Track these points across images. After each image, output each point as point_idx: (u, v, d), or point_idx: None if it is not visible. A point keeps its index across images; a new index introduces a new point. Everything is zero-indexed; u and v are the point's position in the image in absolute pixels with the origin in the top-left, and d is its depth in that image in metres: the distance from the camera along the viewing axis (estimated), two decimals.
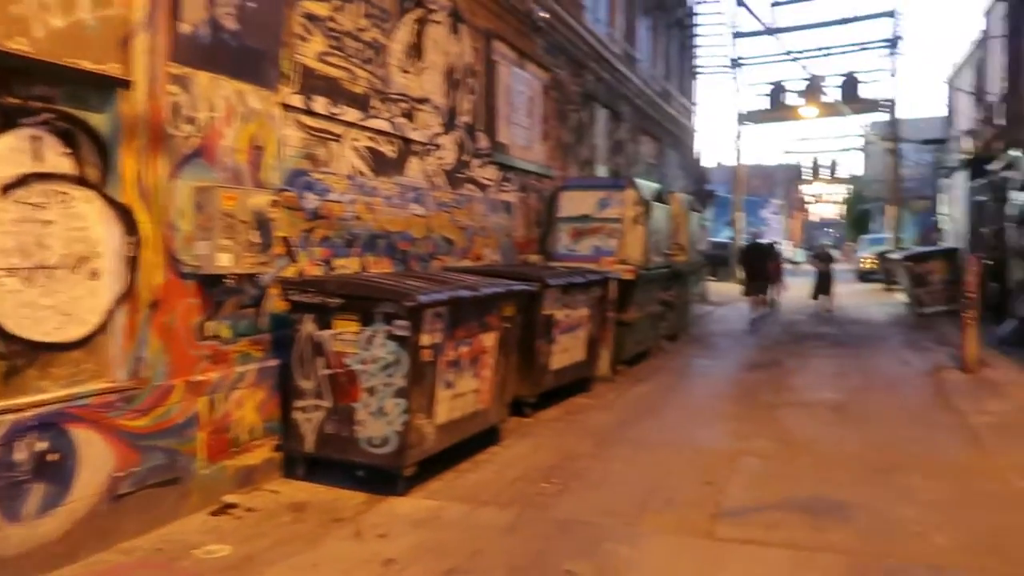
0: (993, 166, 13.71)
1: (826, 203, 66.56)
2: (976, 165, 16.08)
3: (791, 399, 8.20)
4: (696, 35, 21.32)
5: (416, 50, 7.33)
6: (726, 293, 24.06)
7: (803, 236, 69.54)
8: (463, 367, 5.67)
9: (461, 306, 5.49)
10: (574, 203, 9.89)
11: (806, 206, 68.01)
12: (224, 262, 4.88)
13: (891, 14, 26.35)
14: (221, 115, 4.97)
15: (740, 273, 19.03)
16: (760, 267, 16.56)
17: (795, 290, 20.74)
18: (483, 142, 8.73)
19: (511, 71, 9.62)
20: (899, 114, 27.52)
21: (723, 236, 33.19)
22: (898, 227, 27.57)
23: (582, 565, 4.04)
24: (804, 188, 60.89)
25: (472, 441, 6.06)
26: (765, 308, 16.78)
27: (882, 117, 30.03)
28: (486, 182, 8.83)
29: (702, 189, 23.17)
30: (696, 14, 20.83)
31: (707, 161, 50.56)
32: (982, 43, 23.73)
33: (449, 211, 7.99)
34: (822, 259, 18.63)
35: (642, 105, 15.96)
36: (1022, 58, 11.54)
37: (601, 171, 13.21)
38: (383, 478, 5.23)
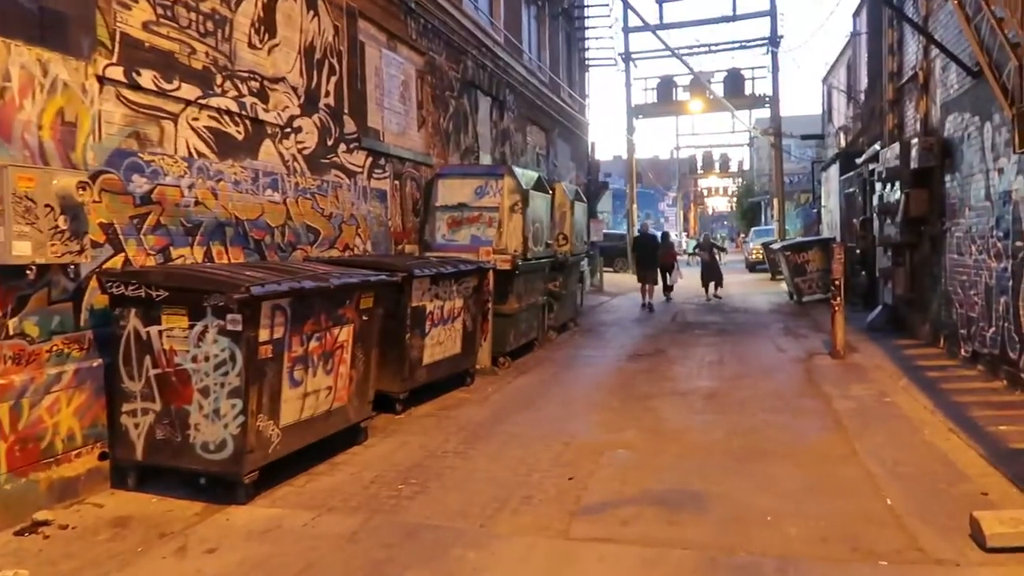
0: (859, 160, 14.27)
1: (720, 197, 69.05)
2: (846, 159, 16.75)
3: (668, 388, 8.16)
4: (585, 27, 21.36)
5: (266, 25, 6.80)
6: (622, 283, 24.38)
7: (699, 228, 71.91)
8: (314, 363, 5.25)
9: (307, 298, 5.06)
10: (451, 191, 9.56)
11: (703, 199, 70.22)
12: (22, 251, 4.29)
13: (770, 13, 27.27)
14: (16, 86, 4.36)
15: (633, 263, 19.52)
16: (651, 256, 17.23)
17: (689, 279, 21.29)
18: (350, 126, 8.27)
19: (381, 53, 9.19)
20: (783, 111, 28.53)
21: (622, 228, 33.64)
22: (782, 219, 28.65)
23: (423, 574, 3.73)
24: (700, 182, 62.73)
25: (331, 441, 5.66)
26: (659, 295, 17.46)
27: (767, 113, 31.16)
28: (355, 168, 8.38)
29: (595, 180, 23.33)
30: (584, 6, 20.86)
31: (604, 154, 51.46)
32: (851, 43, 24.94)
33: (312, 198, 7.51)
34: (706, 249, 19.63)
35: (529, 95, 15.80)
36: (883, 56, 11.99)
37: (486, 160, 12.93)
38: (224, 486, 4.77)
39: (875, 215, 12.01)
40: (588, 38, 21.73)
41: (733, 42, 28.90)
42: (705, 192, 69.04)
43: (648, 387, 8.25)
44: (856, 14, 23.82)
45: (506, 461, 5.57)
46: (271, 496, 4.85)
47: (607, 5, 20.68)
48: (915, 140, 9.81)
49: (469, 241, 9.48)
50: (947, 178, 9.21)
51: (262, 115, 6.67)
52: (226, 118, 6.23)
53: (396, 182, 9.44)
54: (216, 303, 4.50)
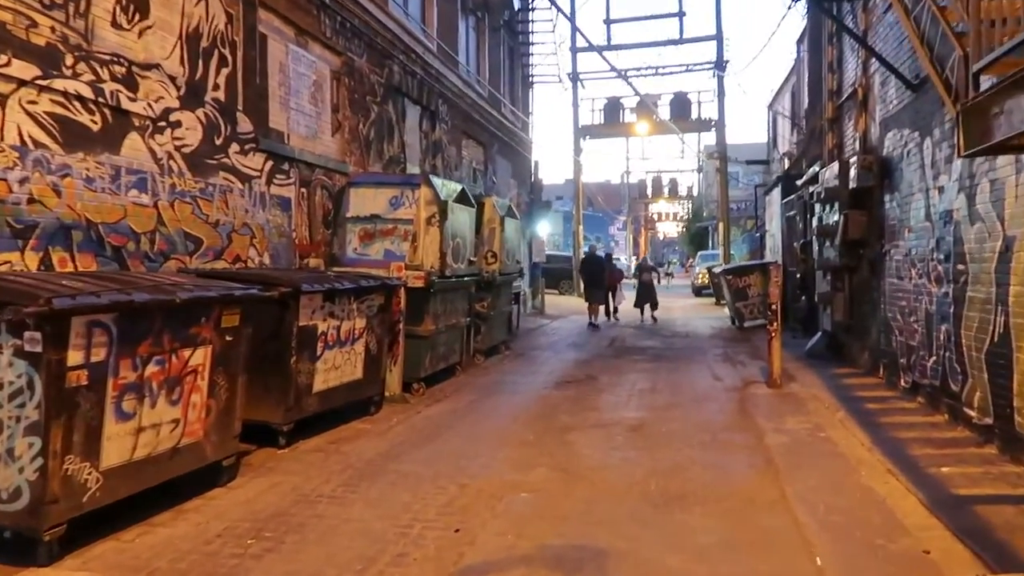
0: (800, 182, 13.95)
1: (671, 222, 69.43)
2: (787, 182, 16.49)
3: (591, 420, 7.47)
4: (530, 43, 20.89)
5: (137, 4, 5.98)
6: (566, 306, 23.80)
7: (650, 252, 72.13)
8: (153, 392, 4.40)
9: (141, 314, 4.23)
10: (364, 201, 8.79)
11: (653, 223, 70.56)
12: None
13: (716, 38, 27.28)
14: None
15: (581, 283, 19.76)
16: (598, 277, 17.85)
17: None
18: (246, 125, 7.47)
19: (288, 49, 8.42)
20: (730, 137, 28.52)
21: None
22: (727, 243, 28.50)
23: None
24: (651, 206, 62.98)
25: (182, 483, 4.80)
26: (603, 316, 18.02)
27: (714, 137, 31.16)
28: (251, 172, 7.56)
29: (538, 200, 22.79)
30: (529, 21, 20.40)
31: (555, 177, 51.29)
32: (795, 69, 25.05)
33: (193, 202, 6.67)
34: (645, 271, 19.75)
35: (465, 107, 15.16)
36: (822, 74, 11.68)
37: (414, 172, 12.20)
38: (21, 544, 3.88)
39: (814, 238, 11.61)
40: (532, 54, 21.25)
41: (680, 65, 28.94)
42: (656, 217, 69.42)
43: (570, 418, 7.55)
44: (800, 41, 23.92)
45: (388, 507, 4.78)
46: (85, 555, 3.97)
47: (551, 21, 20.25)
48: (854, 159, 9.41)
49: (383, 256, 8.71)
50: (886, 198, 8.79)
51: (127, 104, 5.83)
52: (77, 104, 5.38)
53: (303, 190, 8.63)
54: (9, 318, 3.64)
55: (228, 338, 4.99)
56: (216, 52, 7.00)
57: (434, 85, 13.22)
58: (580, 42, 28.24)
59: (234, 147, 7.27)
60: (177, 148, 6.44)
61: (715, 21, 27.38)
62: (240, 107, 7.38)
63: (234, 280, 5.83)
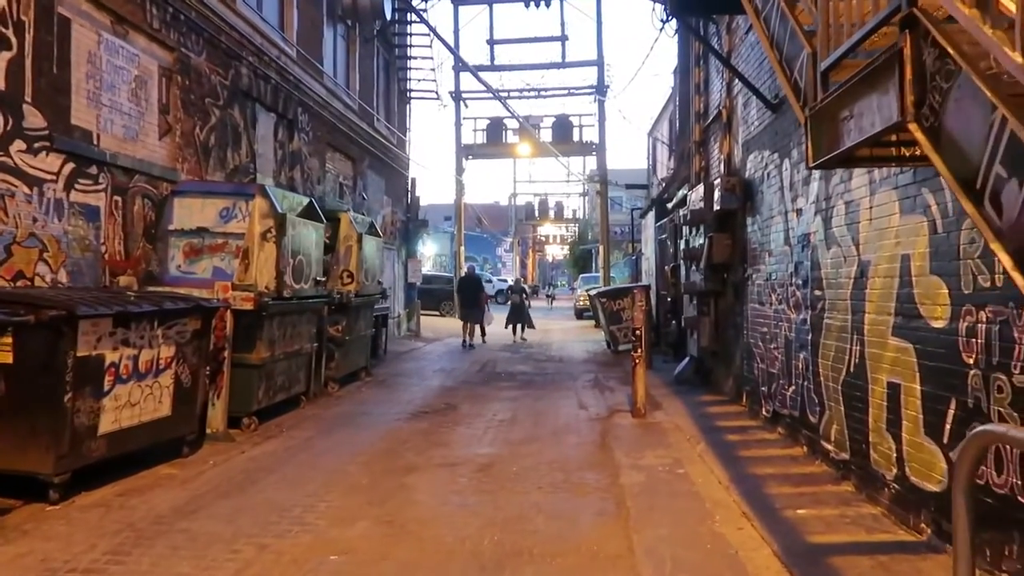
0: (670, 204, 13.90)
1: (558, 245, 70.15)
2: (660, 206, 16.53)
3: (439, 457, 6.77)
4: (407, 56, 20.22)
5: None
6: (444, 328, 23.08)
7: (539, 274, 72.53)
8: None
9: None
10: (190, 213, 7.79)
11: (541, 245, 71.07)
12: None
13: (598, 63, 27.55)
14: None
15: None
16: (473, 297, 18.39)
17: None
18: (35, 120, 6.37)
19: (101, 37, 7.36)
20: (613, 163, 28.96)
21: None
22: (607, 266, 28.66)
23: None
24: (539, 228, 63.39)
25: None
26: (479, 337, 18.36)
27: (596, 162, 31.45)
28: (42, 175, 6.46)
29: (415, 218, 22.03)
30: (405, 34, 19.74)
31: (444, 198, 50.59)
32: (673, 98, 25.63)
33: None
34: (516, 292, 20.29)
35: (330, 119, 14.26)
36: (690, 99, 11.62)
37: (268, 184, 11.20)
38: None
39: (682, 261, 11.45)
40: (410, 68, 20.58)
41: (562, 88, 29.00)
42: (544, 239, 69.99)
43: (416, 456, 6.82)
44: (676, 71, 24.50)
45: None
46: None
47: (427, 35, 19.66)
48: (718, 181, 9.24)
49: (211, 274, 7.72)
50: (749, 221, 8.63)
51: None
52: None
53: (117, 198, 7.55)
54: None
55: None
56: None
57: (293, 93, 12.29)
58: (470, 58, 27.88)
59: (18, 144, 6.16)
60: None
61: (596, 46, 27.73)
62: (28, 99, 6.29)
63: None
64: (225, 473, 6.08)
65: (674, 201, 13.33)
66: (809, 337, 6.45)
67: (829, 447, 5.90)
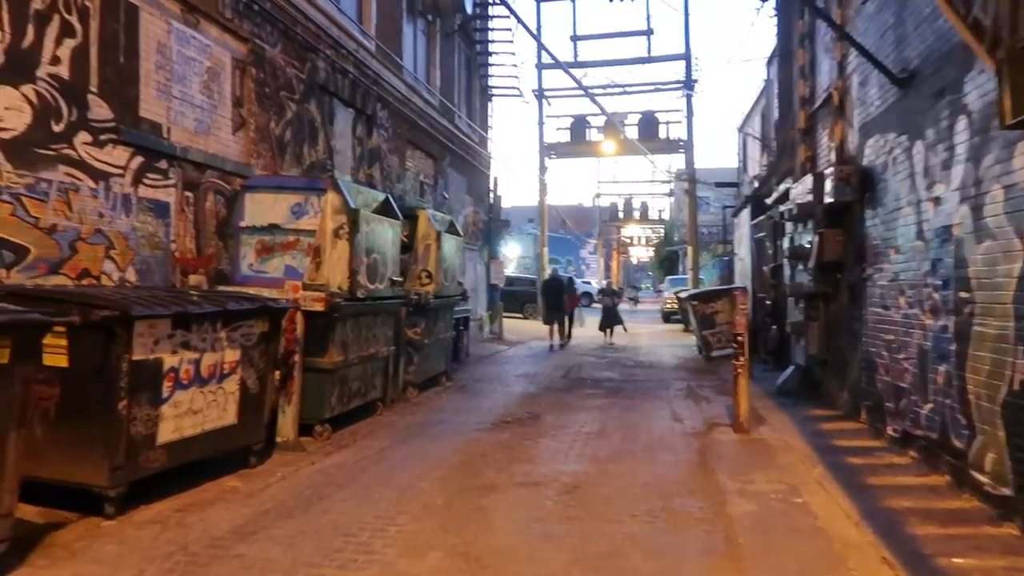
0: (769, 200, 12.88)
1: (642, 247, 68.59)
2: (756, 203, 15.47)
3: (521, 475, 6.15)
4: (488, 53, 19.77)
5: None
6: (527, 331, 22.51)
7: (622, 277, 71.13)
8: None
9: None
10: (262, 209, 7.45)
11: (625, 247, 69.77)
12: None
13: (685, 57, 26.46)
14: None
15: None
16: (557, 300, 18.06)
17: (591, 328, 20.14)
18: (102, 111, 6.11)
19: (172, 27, 7.09)
20: (701, 161, 27.80)
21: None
22: (696, 267, 27.46)
23: None
24: (623, 230, 62.11)
25: None
26: (562, 339, 18.08)
27: (683, 160, 30.32)
28: (108, 169, 6.19)
29: (497, 218, 21.56)
30: (486, 29, 19.28)
31: (528, 199, 50.17)
32: (766, 91, 24.28)
33: (15, 202, 5.28)
34: (607, 295, 19.95)
35: (410, 115, 13.90)
36: (793, 83, 10.63)
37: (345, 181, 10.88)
38: None
39: (786, 261, 10.48)
40: (491, 64, 20.12)
41: (648, 84, 27.99)
42: (628, 240, 68.59)
43: (496, 472, 6.22)
44: (770, 61, 23.18)
45: None
46: None
47: (509, 30, 19.14)
48: (829, 171, 8.29)
49: (283, 273, 7.37)
50: (868, 214, 7.65)
51: None
52: None
53: (189, 194, 7.27)
54: None
55: None
56: (56, 18, 5.65)
57: (371, 87, 11.95)
58: (546, 58, 27.32)
59: (83, 136, 5.90)
60: None
61: (683, 40, 26.66)
62: (94, 89, 6.03)
63: (36, 299, 4.48)
64: (291, 487, 5.63)
65: (774, 196, 12.32)
66: (952, 347, 5.50)
67: (983, 479, 4.96)
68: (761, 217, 13.95)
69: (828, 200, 8.21)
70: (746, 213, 16.69)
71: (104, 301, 4.67)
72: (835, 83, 8.66)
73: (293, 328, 6.65)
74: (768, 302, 12.90)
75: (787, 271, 10.54)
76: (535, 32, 25.27)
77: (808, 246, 8.99)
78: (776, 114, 18.43)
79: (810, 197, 8.63)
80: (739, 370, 7.72)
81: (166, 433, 5.11)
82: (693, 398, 10.39)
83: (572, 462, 6.62)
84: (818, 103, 9.64)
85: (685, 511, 5.16)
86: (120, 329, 4.62)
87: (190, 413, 5.31)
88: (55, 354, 4.68)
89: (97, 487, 4.70)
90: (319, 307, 6.72)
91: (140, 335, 4.79)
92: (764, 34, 34.53)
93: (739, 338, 7.74)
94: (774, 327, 12.57)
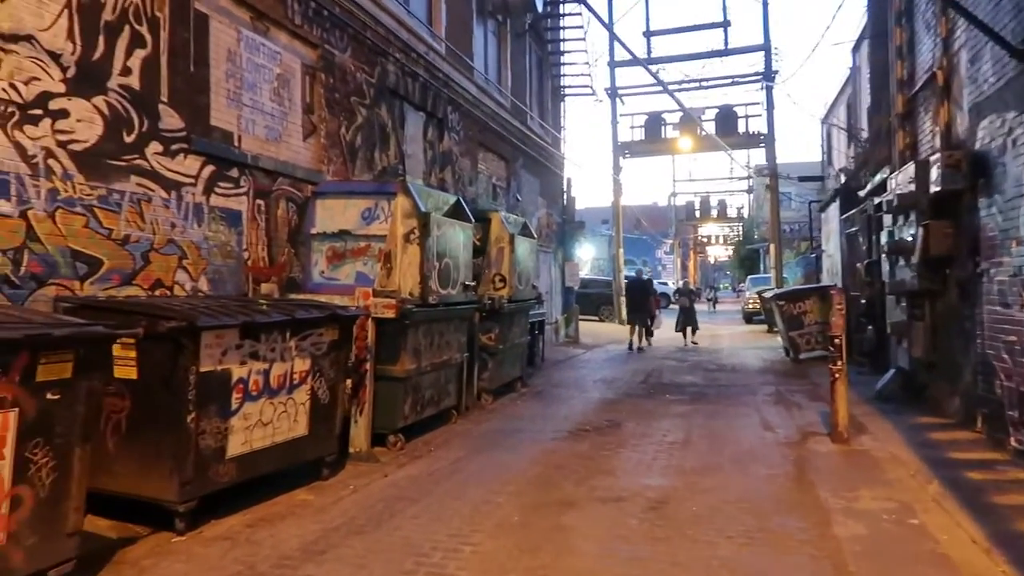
0: (863, 192, 12.09)
1: (720, 246, 66.86)
2: (847, 196, 14.62)
3: (602, 488, 5.79)
4: (561, 52, 19.44)
5: None
6: (603, 334, 22.06)
7: (700, 277, 69.50)
8: None
9: None
10: (332, 215, 7.35)
11: (702, 246, 68.18)
12: None
13: (765, 48, 25.49)
14: None
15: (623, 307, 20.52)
16: (640, 301, 17.88)
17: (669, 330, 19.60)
18: (173, 121, 6.09)
19: (241, 34, 7.06)
20: (781, 155, 26.70)
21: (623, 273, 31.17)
22: (779, 266, 26.38)
23: None
24: (700, 229, 60.65)
25: None
26: (643, 340, 17.79)
27: (763, 155, 29.25)
28: (180, 178, 6.17)
29: (571, 220, 21.20)
30: (558, 28, 18.96)
31: (601, 200, 49.63)
32: (851, 79, 23.10)
33: (88, 213, 5.27)
34: (685, 295, 19.63)
35: (482, 117, 13.71)
36: (889, 66, 9.89)
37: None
38: None
39: (884, 256, 9.76)
40: (563, 63, 19.79)
41: (725, 77, 27.06)
42: (705, 240, 66.97)
43: (575, 485, 5.88)
44: (855, 48, 22.04)
45: None
46: None
47: (581, 28, 18.75)
48: (935, 157, 7.60)
49: (355, 280, 7.24)
50: (982, 203, 6.96)
51: None
52: None
53: (260, 202, 7.23)
54: None
55: (50, 396, 3.50)
56: (127, 29, 5.64)
57: (442, 90, 11.80)
58: (619, 56, 26.82)
59: (154, 146, 5.88)
60: (61, 144, 5.06)
61: (762, 30, 25.68)
62: (165, 98, 6.01)
63: (105, 311, 4.42)
64: (363, 501, 5.43)
65: (868, 188, 11.54)
66: None
67: None
68: (853, 211, 13.15)
69: (934, 189, 7.54)
70: (835, 207, 15.82)
71: (171, 312, 4.57)
72: (939, 62, 7.96)
73: (364, 336, 6.49)
74: (863, 301, 12.11)
75: (885, 267, 9.81)
76: (608, 27, 24.81)
77: (911, 240, 8.30)
78: (866, 101, 17.45)
79: (912, 187, 7.96)
80: (836, 374, 7.14)
81: (236, 446, 4.98)
82: (783, 404, 9.79)
83: (656, 475, 6.22)
84: (918, 85, 8.91)
85: (785, 532, 4.70)
86: (187, 340, 4.51)
87: (260, 425, 5.18)
88: (125, 366, 4.64)
89: (167, 502, 4.60)
90: (390, 314, 6.53)
91: (207, 346, 4.67)
92: (848, 20, 32.84)
93: (836, 340, 7.17)
94: (870, 327, 11.78)
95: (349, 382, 6.42)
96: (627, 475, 6.23)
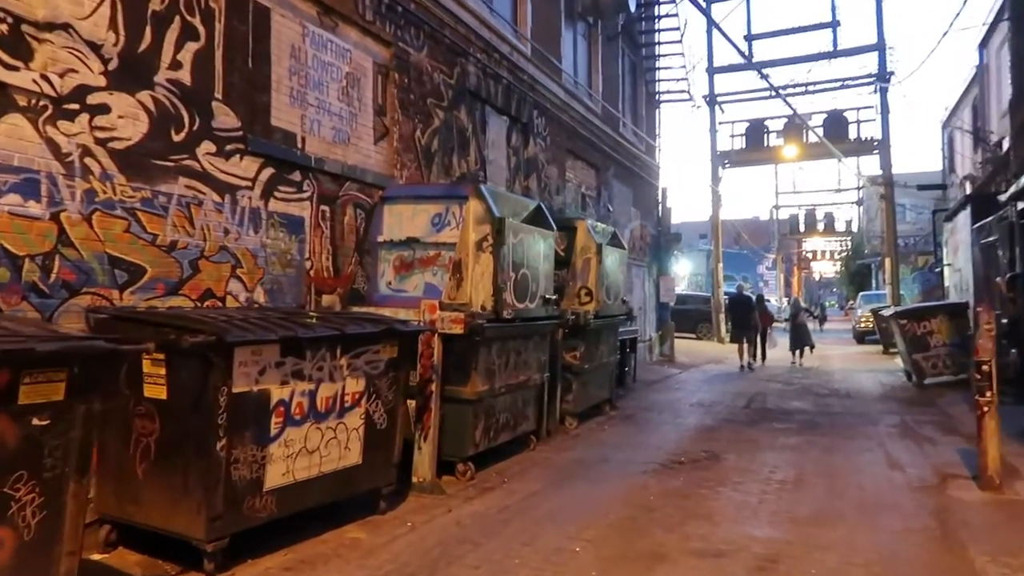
0: (1003, 196, 10.62)
1: (826, 261, 63.46)
2: (979, 202, 13.04)
3: (696, 539, 4.91)
4: (656, 56, 18.54)
5: None
6: (701, 352, 20.88)
7: (804, 293, 66.26)
8: None
9: None
10: (400, 221, 6.78)
11: (806, 262, 64.97)
12: None
13: (878, 47, 23.72)
14: None
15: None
16: (745, 317, 17.05)
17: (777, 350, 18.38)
18: (228, 119, 5.66)
19: (306, 30, 6.62)
20: (897, 163, 24.79)
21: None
22: (896, 282, 24.34)
23: None
24: (804, 243, 57.75)
25: None
26: (753, 359, 16.98)
27: (875, 164, 27.26)
28: (235, 180, 5.73)
29: (666, 232, 20.16)
30: (653, 31, 18.08)
31: (699, 214, 47.97)
32: (978, 79, 21.09)
33: (130, 216, 4.86)
34: (796, 312, 18.69)
35: (570, 122, 13.00)
36: None
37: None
38: None
39: None
40: (659, 68, 18.87)
41: (834, 80, 25.37)
42: (810, 255, 63.73)
43: (665, 532, 5.03)
44: (983, 44, 20.12)
45: None
46: None
47: (677, 29, 17.80)
48: None
49: (423, 292, 6.64)
50: None
51: (2, 75, 4.11)
52: None
53: (325, 208, 6.74)
54: None
55: (36, 422, 2.99)
56: (177, 20, 5.25)
57: (527, 93, 11.18)
58: (717, 60, 25.64)
59: (206, 146, 5.46)
60: (100, 142, 4.67)
61: (876, 28, 23.90)
62: (219, 95, 5.59)
63: (137, 322, 3.96)
64: (419, 543, 4.76)
65: (1010, 192, 10.11)
66: None
67: None
68: (989, 219, 11.64)
69: None
70: (964, 216, 14.18)
71: (201, 325, 4.05)
72: None
73: (430, 353, 5.86)
74: (1004, 320, 10.61)
75: None
76: (706, 32, 23.74)
77: None
78: (995, 102, 15.70)
79: None
80: (985, 407, 5.99)
81: (275, 477, 4.41)
82: (911, 438, 8.54)
83: (763, 523, 5.28)
84: None
85: None
86: (216, 357, 3.97)
87: (304, 453, 4.60)
88: (154, 384, 4.17)
89: (194, 539, 4.06)
90: (458, 329, 5.87)
91: (242, 364, 4.13)
92: (972, 13, 30.54)
93: (984, 367, 6.02)
94: (1013, 351, 10.28)
95: (412, 404, 5.79)
96: (728, 522, 5.31)
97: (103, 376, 3.25)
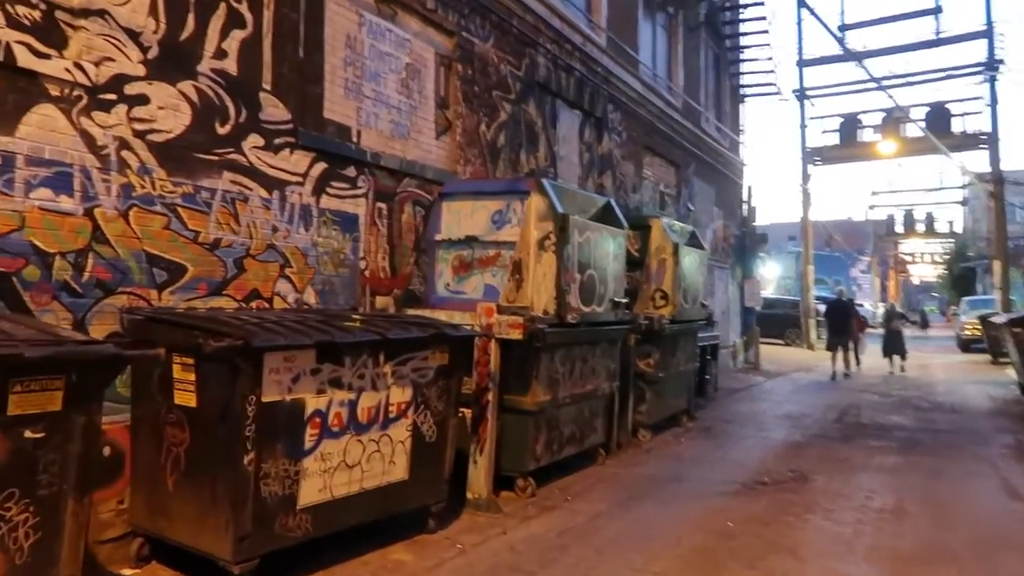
0: None
1: (926, 264, 59.97)
2: None
3: (779, 574, 4.31)
4: (740, 47, 17.65)
5: None
6: (790, 360, 19.79)
7: (901, 298, 62.88)
8: None
9: None
10: (459, 219, 6.39)
11: (904, 265, 61.61)
12: None
13: (987, 34, 22.01)
14: None
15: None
16: (842, 323, 16.30)
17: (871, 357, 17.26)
18: (276, 111, 5.40)
19: (363, 19, 6.32)
20: (1007, 159, 23.08)
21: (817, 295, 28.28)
22: (1006, 286, 22.51)
23: None
24: (901, 245, 54.69)
25: None
26: (847, 367, 16.21)
27: (981, 159, 25.36)
28: (284, 175, 5.46)
29: (751, 233, 19.18)
30: (737, 21, 17.20)
31: (784, 213, 46.09)
32: None
33: (170, 212, 4.64)
34: (890, 319, 17.81)
35: (648, 117, 12.39)
36: None
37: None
38: None
39: None
40: (744, 60, 17.97)
41: (937, 71, 23.71)
42: (908, 258, 60.36)
43: (745, 567, 4.46)
44: None
45: None
46: None
47: (764, 18, 16.88)
48: None
49: (482, 294, 6.23)
50: None
51: (31, 63, 3.92)
52: None
53: (382, 205, 6.43)
54: None
55: (29, 435, 2.71)
56: (223, 7, 5.01)
57: (601, 86, 10.66)
58: (810, 51, 24.36)
59: (253, 140, 5.21)
60: (139, 134, 4.46)
61: (984, 12, 22.20)
62: (267, 86, 5.33)
63: (172, 324, 3.70)
64: (466, 570, 4.34)
65: None
66: None
67: None
68: None
69: None
70: None
71: (228, 328, 3.74)
72: None
73: (487, 360, 5.44)
74: None
75: None
76: (796, 24, 22.60)
77: None
78: None
79: None
80: None
81: (310, 493, 4.07)
82: None
83: (859, 560, 4.63)
84: None
85: None
86: (244, 363, 3.65)
87: (343, 468, 4.25)
88: (184, 391, 3.89)
89: (221, 560, 3.76)
90: (517, 335, 5.42)
91: (273, 370, 3.80)
92: None
93: None
94: None
95: (467, 413, 5.39)
96: (817, 557, 4.68)
97: (101, 385, 2.96)
